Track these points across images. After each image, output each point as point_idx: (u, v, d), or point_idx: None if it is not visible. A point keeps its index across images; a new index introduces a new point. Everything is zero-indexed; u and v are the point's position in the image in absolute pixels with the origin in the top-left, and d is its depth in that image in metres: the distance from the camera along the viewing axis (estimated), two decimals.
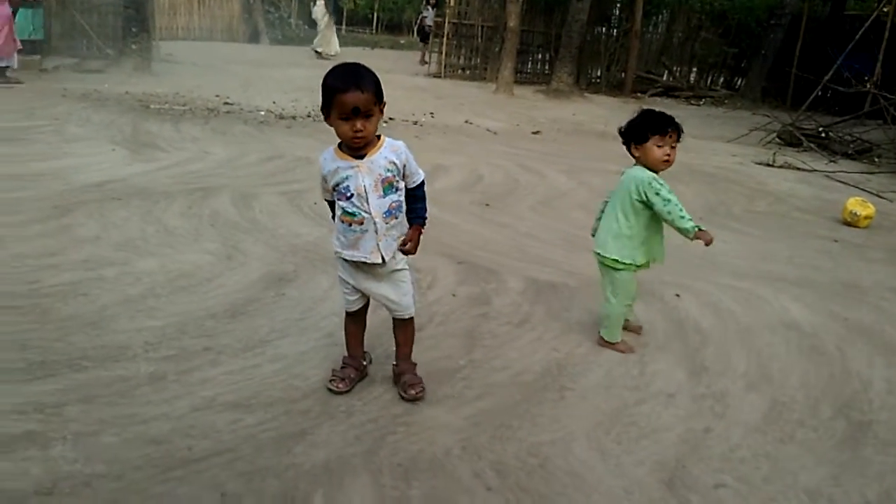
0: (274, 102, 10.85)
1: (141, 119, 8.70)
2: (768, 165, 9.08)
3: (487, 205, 6.14)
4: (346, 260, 2.87)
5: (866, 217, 6.47)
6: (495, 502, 2.33)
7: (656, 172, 3.29)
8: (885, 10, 13.90)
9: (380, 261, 2.79)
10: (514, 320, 3.75)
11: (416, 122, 10.38)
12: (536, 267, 4.57)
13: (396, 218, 2.80)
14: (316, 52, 20.30)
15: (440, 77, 17.05)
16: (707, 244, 3.16)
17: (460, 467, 2.49)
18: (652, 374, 3.27)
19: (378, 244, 2.77)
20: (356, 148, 2.71)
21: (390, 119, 10.34)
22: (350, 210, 2.74)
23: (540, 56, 18.38)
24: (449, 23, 17.15)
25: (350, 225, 2.77)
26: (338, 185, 2.75)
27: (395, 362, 3.06)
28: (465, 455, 2.56)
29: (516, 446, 2.64)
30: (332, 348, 3.27)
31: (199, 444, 2.51)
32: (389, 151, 2.75)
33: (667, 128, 3.24)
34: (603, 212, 3.53)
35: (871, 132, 10.79)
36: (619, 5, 18.77)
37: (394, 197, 2.77)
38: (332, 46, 20.42)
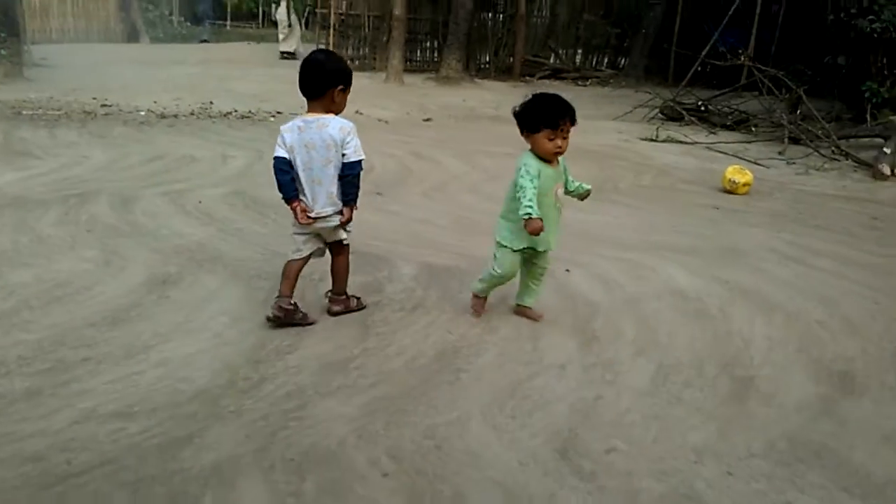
0: (155, 102, 10.47)
1: (12, 127, 8.25)
2: (652, 141, 9.36)
3: (379, 194, 6.09)
4: None
5: (745, 184, 6.76)
6: (391, 487, 2.31)
7: (548, 161, 3.29)
8: None
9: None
10: (407, 306, 3.73)
11: None
12: (429, 252, 4.56)
13: None
14: (283, 53, 19.82)
15: None
16: (531, 232, 3.17)
17: (355, 456, 2.46)
18: (544, 348, 3.32)
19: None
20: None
21: (278, 113, 10.16)
22: None
23: (428, 44, 18.40)
24: (335, 14, 16.95)
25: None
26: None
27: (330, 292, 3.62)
28: (361, 443, 2.53)
29: (412, 430, 2.63)
30: (221, 349, 3.18)
31: (79, 457, 2.39)
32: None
33: (558, 121, 3.21)
34: None
35: (748, 103, 11.26)
36: None
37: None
38: (293, 44, 20.06)
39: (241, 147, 7.71)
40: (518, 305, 3.67)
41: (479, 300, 3.65)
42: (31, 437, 2.49)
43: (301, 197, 3.34)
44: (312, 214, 3.33)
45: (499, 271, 3.47)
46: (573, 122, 3.26)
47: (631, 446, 2.59)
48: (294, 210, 3.34)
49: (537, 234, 3.19)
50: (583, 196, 3.56)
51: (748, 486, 2.40)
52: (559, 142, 3.24)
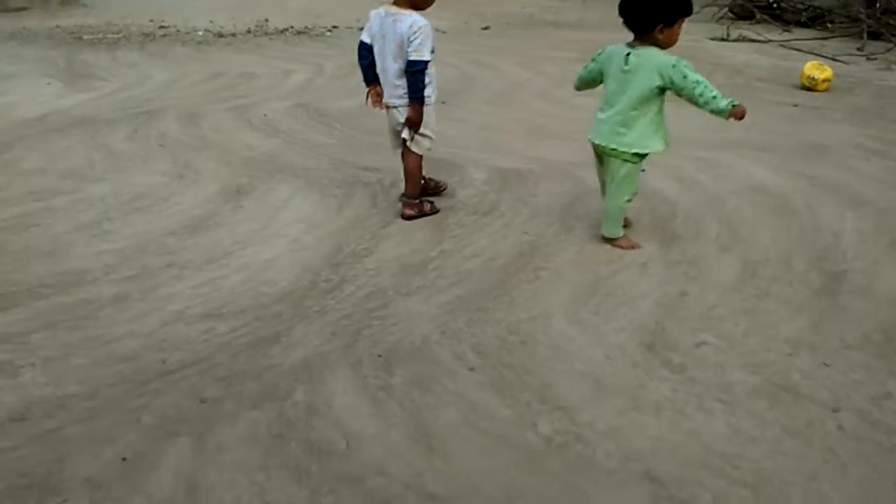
0: (211, 21, 10.41)
1: (74, 51, 8.32)
2: (723, 40, 8.96)
3: (444, 102, 5.97)
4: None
5: (824, 80, 6.43)
6: (479, 380, 2.31)
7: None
8: None
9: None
10: (481, 209, 3.68)
11: (361, 28, 10.02)
12: (499, 157, 4.48)
13: None
14: None
15: None
16: (740, 118, 2.96)
17: (440, 352, 2.46)
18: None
19: None
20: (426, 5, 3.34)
21: (334, 27, 10.01)
22: None
23: None
24: None
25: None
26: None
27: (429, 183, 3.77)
28: (444, 340, 2.53)
29: (495, 327, 2.62)
30: (299, 253, 3.20)
31: (173, 356, 2.45)
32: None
33: (691, 8, 2.97)
34: (584, 80, 3.24)
35: None
36: None
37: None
38: None
39: (301, 62, 7.63)
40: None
41: (622, 238, 3.26)
42: (124, 338, 2.56)
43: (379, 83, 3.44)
44: (384, 100, 3.43)
45: (625, 192, 3.15)
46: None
47: (721, 340, 2.54)
48: (367, 93, 3.51)
49: (743, 118, 2.97)
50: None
51: (846, 377, 2.33)
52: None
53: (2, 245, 3.29)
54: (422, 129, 3.42)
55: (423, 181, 3.67)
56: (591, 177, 3.98)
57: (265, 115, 5.43)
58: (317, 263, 3.10)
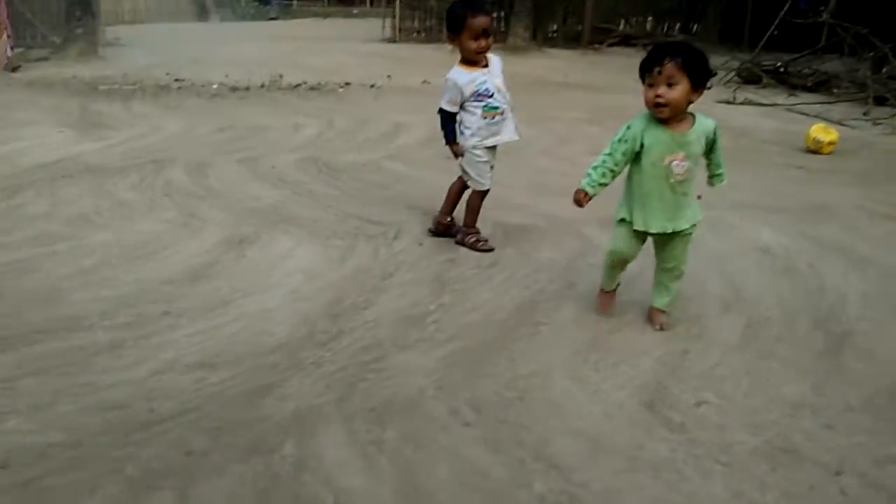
0: (226, 76, 10.57)
1: (89, 101, 8.45)
2: (729, 103, 9.03)
3: (449, 158, 6.01)
4: (485, 148, 3.74)
5: (830, 143, 6.45)
6: (474, 436, 2.26)
7: (663, 122, 2.72)
8: None
9: (518, 137, 3.84)
10: (483, 263, 3.66)
11: (372, 85, 10.18)
12: (503, 212, 4.46)
13: None
14: None
15: (396, 42, 16.78)
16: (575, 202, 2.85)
17: (436, 407, 2.42)
18: (626, 303, 3.20)
19: (514, 126, 3.79)
20: (478, 62, 3.61)
21: (347, 84, 10.15)
22: (494, 105, 3.64)
23: (495, 13, 18.11)
24: None
25: (493, 118, 3.67)
26: (477, 91, 3.58)
27: (463, 226, 3.92)
28: (441, 395, 2.49)
29: (493, 382, 2.57)
30: (298, 304, 3.17)
31: (162, 405, 2.40)
32: (496, 61, 3.69)
33: (650, 65, 2.65)
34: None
35: (829, 64, 10.78)
36: None
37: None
38: None
39: (312, 116, 7.72)
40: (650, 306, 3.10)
41: (605, 294, 3.15)
42: (114, 386, 2.52)
43: None
44: None
45: (609, 247, 3.05)
46: (682, 65, 2.59)
47: (722, 400, 2.48)
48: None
49: (578, 206, 2.85)
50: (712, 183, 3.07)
51: (849, 440, 2.27)
52: (661, 89, 2.61)
53: None
54: (467, 170, 3.80)
55: (449, 219, 4.00)
56: (595, 234, 4.00)
57: (273, 167, 5.46)
58: (315, 314, 3.07)
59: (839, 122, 7.80)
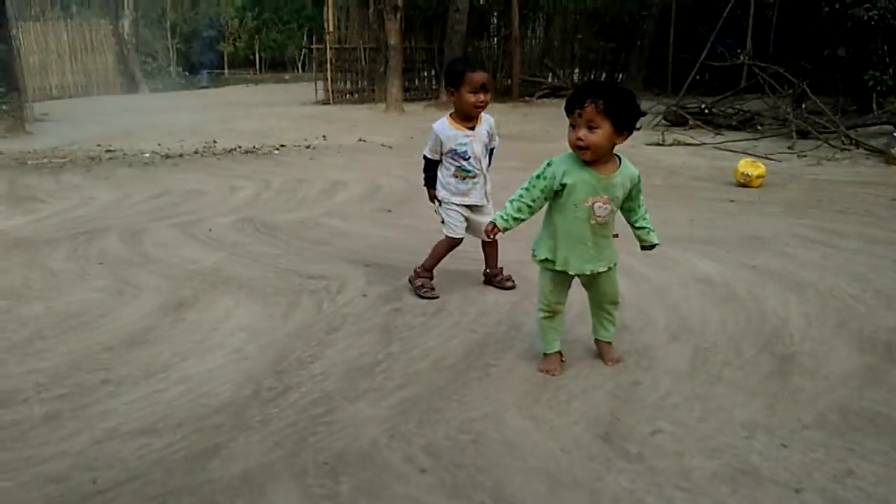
0: (159, 144, 10.46)
1: (17, 175, 8.23)
2: (659, 145, 9.31)
3: (389, 210, 6.03)
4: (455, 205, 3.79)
5: (758, 176, 6.67)
6: (430, 482, 2.20)
7: (590, 164, 2.68)
8: None
9: (486, 203, 3.83)
10: (429, 311, 3.64)
11: (308, 146, 10.19)
12: (448, 258, 4.43)
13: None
14: None
15: (329, 104, 16.88)
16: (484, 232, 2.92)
17: (390, 456, 2.35)
18: (574, 340, 3.20)
19: (486, 192, 3.83)
20: (471, 117, 3.69)
21: (282, 146, 10.14)
22: (467, 168, 3.73)
23: (426, 72, 18.44)
24: (331, 49, 17.02)
25: (464, 180, 3.76)
26: (455, 150, 3.68)
27: (486, 269, 4.02)
28: (394, 443, 2.42)
29: (446, 427, 2.52)
30: (241, 363, 3.08)
31: (105, 475, 2.29)
32: (486, 123, 3.77)
33: (573, 106, 2.61)
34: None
35: (751, 103, 11.21)
36: (496, 14, 19.08)
37: (489, 157, 3.85)
38: None
39: (248, 178, 7.66)
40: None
41: (548, 358, 2.95)
42: (53, 458, 2.39)
43: None
44: None
45: (538, 296, 2.97)
46: (603, 108, 2.53)
47: (676, 427, 2.48)
48: None
49: (488, 238, 2.97)
50: (644, 245, 2.98)
51: (806, 457, 2.28)
52: (581, 132, 2.57)
53: None
54: (441, 215, 3.87)
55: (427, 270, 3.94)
56: (537, 275, 3.98)
57: (210, 230, 5.38)
58: (260, 372, 2.99)
59: (766, 157, 8.09)
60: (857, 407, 2.59)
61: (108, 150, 10.07)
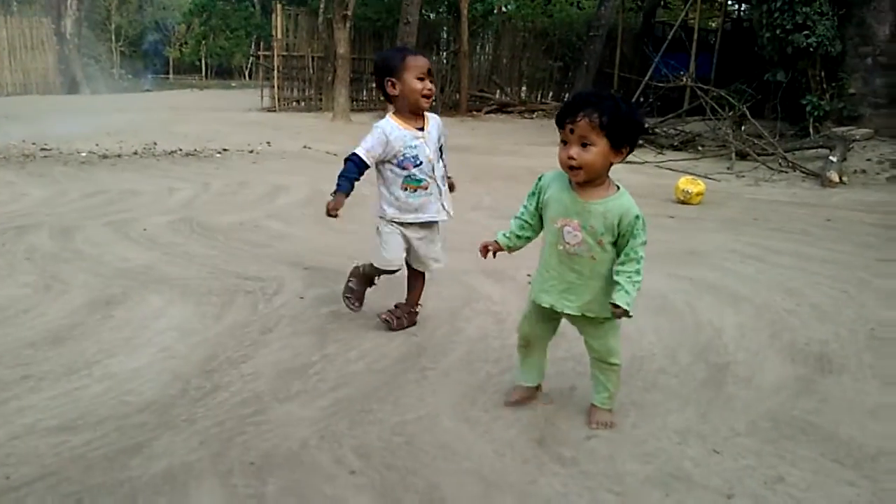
0: (97, 145, 10.18)
1: None
2: None
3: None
4: (402, 224, 3.20)
5: (698, 193, 6.78)
6: (360, 484, 2.14)
7: (573, 181, 2.36)
8: (691, 17, 14.95)
9: (446, 217, 3.25)
10: (366, 314, 3.57)
11: (251, 151, 10.05)
12: None
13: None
14: None
15: (275, 111, 16.69)
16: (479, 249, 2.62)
17: (319, 457, 2.29)
18: (512, 346, 3.16)
19: (443, 204, 3.21)
20: (419, 110, 3.10)
21: (224, 150, 9.97)
22: (418, 178, 3.12)
23: (373, 84, 18.37)
24: (278, 56, 16.86)
25: (415, 192, 3.14)
26: (404, 154, 3.07)
27: (405, 303, 3.44)
28: (324, 444, 2.36)
29: (378, 428, 2.47)
30: (169, 361, 2.98)
31: (18, 471, 2.18)
32: (434, 123, 3.19)
33: (563, 120, 2.28)
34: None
35: (693, 125, 11.44)
36: (445, 28, 19.18)
37: (442, 161, 3.23)
38: None
39: (186, 180, 7.50)
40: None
41: (518, 390, 2.71)
42: None
43: None
44: None
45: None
46: (598, 123, 2.20)
47: (611, 432, 2.47)
48: None
49: (482, 255, 2.61)
50: (611, 301, 2.39)
51: (737, 463, 2.29)
52: (574, 149, 2.25)
53: None
54: (374, 236, 3.33)
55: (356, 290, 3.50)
56: (479, 283, 3.99)
57: (145, 229, 5.23)
58: (188, 371, 2.89)
59: (705, 176, 8.24)
60: (789, 416, 2.62)
61: (43, 149, 9.76)
